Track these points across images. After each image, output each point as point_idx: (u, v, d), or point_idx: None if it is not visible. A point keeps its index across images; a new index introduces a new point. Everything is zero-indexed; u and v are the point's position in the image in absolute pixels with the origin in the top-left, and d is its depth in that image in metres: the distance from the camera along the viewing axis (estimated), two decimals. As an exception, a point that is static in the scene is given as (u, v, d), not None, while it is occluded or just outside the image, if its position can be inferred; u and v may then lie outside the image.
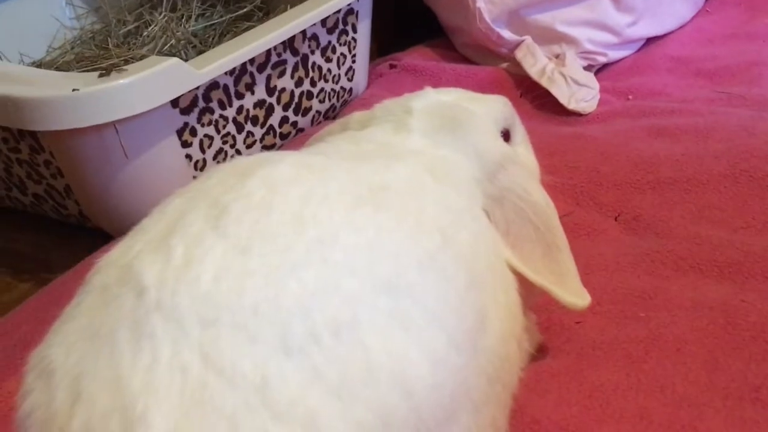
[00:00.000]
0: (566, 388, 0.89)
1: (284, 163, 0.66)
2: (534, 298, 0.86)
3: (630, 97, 1.53)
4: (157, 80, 1.11)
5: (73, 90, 1.06)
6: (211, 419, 0.51)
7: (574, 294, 0.80)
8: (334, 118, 1.55)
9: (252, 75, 1.34)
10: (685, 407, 0.83)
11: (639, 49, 1.68)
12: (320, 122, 1.55)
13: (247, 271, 0.56)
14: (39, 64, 1.70)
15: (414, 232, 0.65)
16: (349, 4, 1.49)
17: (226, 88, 1.29)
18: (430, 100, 0.86)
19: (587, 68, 1.60)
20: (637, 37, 1.67)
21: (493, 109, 0.88)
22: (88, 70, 1.41)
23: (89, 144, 1.14)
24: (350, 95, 1.62)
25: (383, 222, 0.64)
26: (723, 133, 1.31)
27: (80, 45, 1.83)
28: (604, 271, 1.06)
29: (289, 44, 1.40)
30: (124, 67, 1.11)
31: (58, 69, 1.61)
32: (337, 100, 1.58)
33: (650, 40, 1.70)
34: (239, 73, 1.31)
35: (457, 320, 0.63)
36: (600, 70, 1.63)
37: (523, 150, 0.92)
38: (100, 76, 1.09)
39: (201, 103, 1.25)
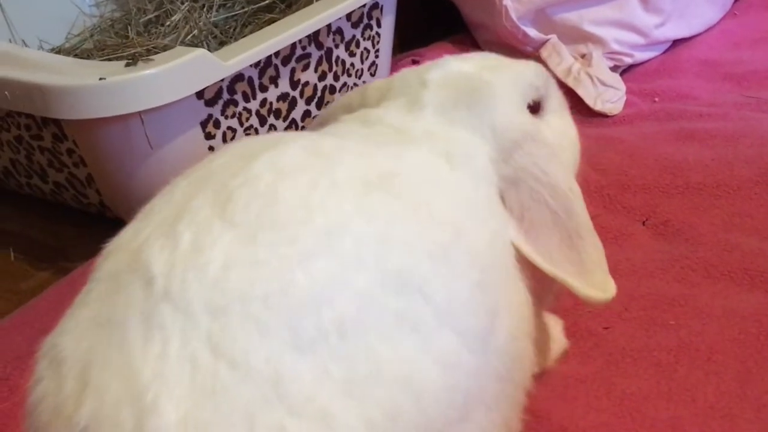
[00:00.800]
0: (595, 395, 0.87)
1: (292, 147, 0.64)
2: (553, 295, 0.82)
3: (656, 99, 1.51)
4: (183, 71, 1.10)
5: (100, 79, 1.05)
6: (224, 410, 0.51)
7: (595, 286, 0.72)
8: (356, 113, 1.54)
9: (276, 68, 1.33)
10: (717, 418, 0.82)
11: (665, 51, 1.66)
12: (342, 117, 1.53)
13: (256, 261, 0.55)
14: (58, 51, 1.69)
15: (427, 223, 0.63)
16: (374, -1, 1.47)
17: (250, 80, 1.28)
18: (449, 69, 0.80)
19: (613, 69, 1.58)
20: (665, 38, 1.65)
21: (519, 77, 0.80)
22: (111, 59, 1.40)
23: (114, 133, 1.13)
24: (372, 90, 1.60)
25: (395, 210, 0.62)
26: (753, 139, 1.29)
27: (100, 33, 1.82)
28: (632, 276, 1.04)
29: (314, 38, 1.38)
30: (151, 57, 1.09)
31: (78, 56, 1.60)
32: (360, 94, 1.57)
33: (677, 42, 1.68)
34: (264, 65, 1.29)
35: (467, 320, 0.62)
36: (626, 71, 1.61)
37: (557, 122, 0.84)
38: (127, 65, 1.08)
39: (225, 95, 1.24)
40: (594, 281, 0.73)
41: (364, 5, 1.46)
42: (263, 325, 0.53)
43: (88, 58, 1.58)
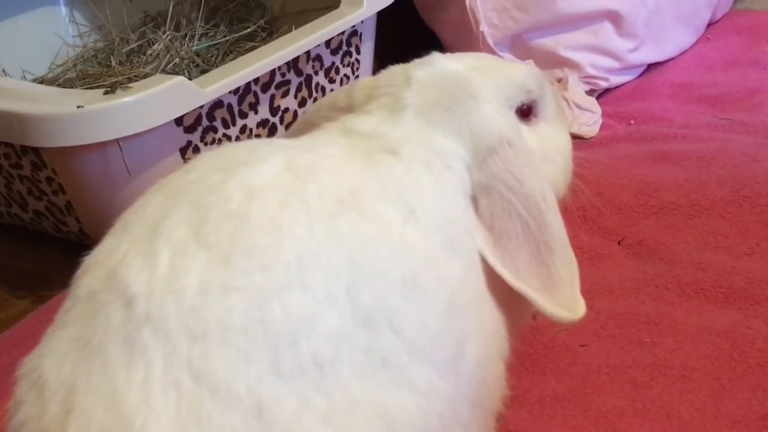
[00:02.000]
0: (571, 414, 0.88)
1: (266, 164, 0.63)
2: (529, 311, 0.78)
3: (632, 121, 1.53)
4: (162, 98, 1.11)
5: (78, 107, 1.06)
6: None
7: (561, 304, 0.69)
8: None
9: (256, 94, 1.34)
10: (692, 435, 0.82)
11: (640, 75, 1.69)
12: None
13: (231, 287, 0.55)
14: (41, 81, 1.70)
15: (399, 246, 0.62)
16: (353, 26, 1.49)
17: (230, 107, 1.29)
18: (435, 68, 0.77)
19: (589, 93, 1.60)
20: (639, 62, 1.68)
21: (509, 80, 0.78)
22: (92, 88, 1.41)
23: (92, 161, 1.14)
24: (353, 116, 1.62)
25: (366, 232, 0.61)
26: (726, 160, 1.31)
27: (83, 62, 1.83)
28: (608, 295, 1.05)
29: (293, 64, 1.40)
30: (129, 85, 1.11)
31: (60, 86, 1.61)
32: (340, 120, 1.58)
33: (651, 66, 1.71)
34: (243, 92, 1.31)
35: (437, 349, 0.62)
36: (601, 95, 1.64)
37: (549, 130, 0.81)
38: (105, 93, 1.09)
39: (205, 122, 1.25)
40: (562, 299, 0.69)
41: (343, 33, 1.48)
42: (243, 354, 0.54)
43: (70, 87, 1.59)
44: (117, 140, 1.11)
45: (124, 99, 1.08)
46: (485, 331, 0.68)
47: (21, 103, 1.09)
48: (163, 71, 1.54)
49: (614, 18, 1.59)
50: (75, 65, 1.82)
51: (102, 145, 1.11)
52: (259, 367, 0.53)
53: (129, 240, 0.60)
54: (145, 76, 1.47)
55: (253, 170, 0.63)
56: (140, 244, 0.58)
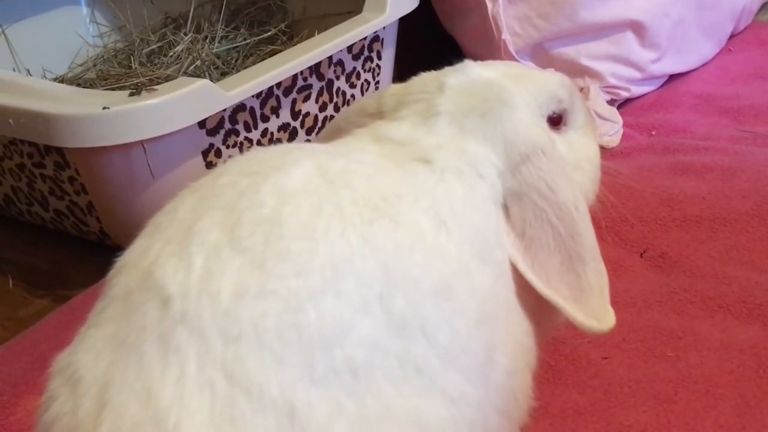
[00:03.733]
0: (594, 428, 0.87)
1: (299, 168, 0.63)
2: (553, 322, 0.77)
3: (653, 132, 1.53)
4: (186, 101, 1.11)
5: (104, 108, 1.06)
6: None
7: (591, 314, 0.69)
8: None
9: (278, 98, 1.34)
10: (717, 451, 0.82)
11: (662, 86, 1.68)
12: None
13: (266, 291, 0.55)
14: (61, 80, 1.71)
15: (432, 254, 0.62)
16: (375, 32, 1.49)
17: (252, 110, 1.29)
18: (469, 75, 0.77)
19: (610, 103, 1.60)
20: (661, 73, 1.67)
21: (541, 89, 0.78)
22: (113, 89, 1.41)
23: (116, 162, 1.14)
24: (372, 121, 1.62)
25: (400, 240, 0.61)
26: (749, 173, 1.30)
27: (103, 62, 1.84)
28: (631, 307, 1.05)
29: (315, 69, 1.40)
30: (155, 87, 1.11)
31: (80, 86, 1.62)
32: (359, 126, 1.58)
33: (673, 77, 1.70)
34: (266, 96, 1.31)
35: (467, 357, 0.61)
36: (622, 105, 1.63)
37: (579, 139, 0.81)
38: (131, 95, 1.09)
39: (227, 125, 1.25)
40: (591, 309, 0.69)
41: (365, 38, 1.49)
42: (277, 357, 0.54)
43: (91, 87, 1.60)
44: (141, 142, 1.11)
45: (149, 101, 1.08)
46: (514, 341, 0.68)
47: (47, 103, 1.09)
48: (185, 73, 1.55)
49: (637, 28, 1.59)
50: (95, 65, 1.83)
51: (126, 147, 1.11)
52: (292, 371, 0.53)
53: (162, 241, 0.60)
54: (167, 78, 1.48)
55: (286, 175, 0.62)
56: (174, 245, 0.59)
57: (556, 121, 0.79)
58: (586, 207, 0.73)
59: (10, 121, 1.12)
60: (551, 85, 0.79)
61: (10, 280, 1.33)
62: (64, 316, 1.10)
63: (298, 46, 1.35)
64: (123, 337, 0.56)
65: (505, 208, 0.71)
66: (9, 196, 1.37)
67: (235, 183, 0.63)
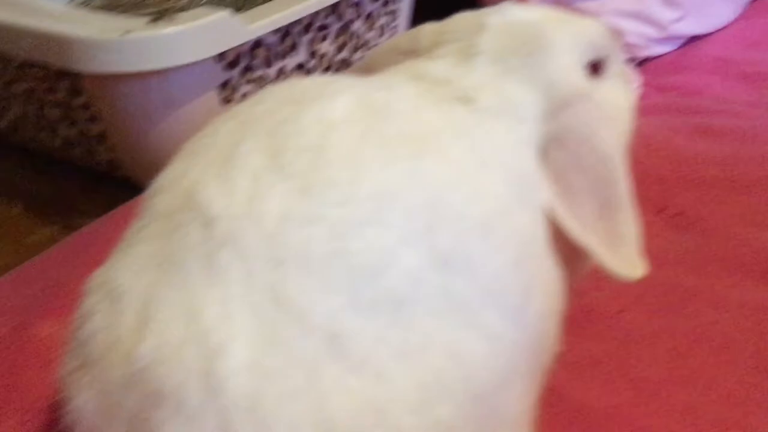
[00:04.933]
0: (610, 377, 0.87)
1: (341, 98, 0.62)
2: (582, 271, 0.77)
3: (671, 93, 1.51)
4: (208, 31, 1.09)
5: (124, 33, 1.03)
6: (288, 361, 0.51)
7: (624, 262, 0.69)
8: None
9: (296, 36, 1.31)
10: (734, 405, 0.82)
11: (680, 47, 1.66)
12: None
13: (312, 217, 0.55)
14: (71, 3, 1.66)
15: (476, 191, 0.61)
16: (396, -27, 1.46)
17: (269, 47, 1.27)
18: (511, 16, 0.75)
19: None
20: (680, 34, 1.65)
21: (582, 34, 0.76)
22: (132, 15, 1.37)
23: (132, 90, 1.11)
24: (386, 67, 1.59)
25: (445, 174, 0.60)
26: (766, 138, 1.29)
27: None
28: (647, 264, 1.04)
29: (334, 8, 1.37)
30: (176, 15, 1.08)
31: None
32: (374, 70, 1.56)
33: (691, 39, 1.68)
34: (285, 33, 1.28)
35: (506, 296, 0.61)
36: (640, 64, 1.61)
37: (613, 86, 0.80)
38: (151, 21, 1.06)
39: (245, 60, 1.22)
40: (624, 256, 0.69)
41: (385, -21, 1.45)
42: (323, 283, 0.53)
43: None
44: (159, 71, 1.09)
45: (171, 29, 1.05)
46: (547, 285, 0.68)
47: (65, 25, 1.06)
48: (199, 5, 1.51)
49: (661, -14, 1.57)
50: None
51: (143, 75, 1.08)
52: (338, 298, 0.53)
53: (203, 164, 0.58)
54: (181, 9, 1.44)
55: (328, 104, 0.61)
56: (215, 168, 0.57)
57: (594, 68, 0.78)
58: (622, 155, 0.73)
59: (24, 42, 1.09)
60: (592, 31, 0.78)
61: (15, 208, 1.31)
62: (76, 243, 1.08)
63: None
64: (165, 256, 0.55)
65: (543, 152, 0.70)
66: (16, 123, 1.34)
67: (276, 110, 0.61)
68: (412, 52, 0.77)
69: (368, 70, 0.80)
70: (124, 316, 0.53)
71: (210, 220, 0.54)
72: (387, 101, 0.64)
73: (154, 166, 1.15)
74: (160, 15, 1.08)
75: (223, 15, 1.10)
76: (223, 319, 0.51)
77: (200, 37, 1.08)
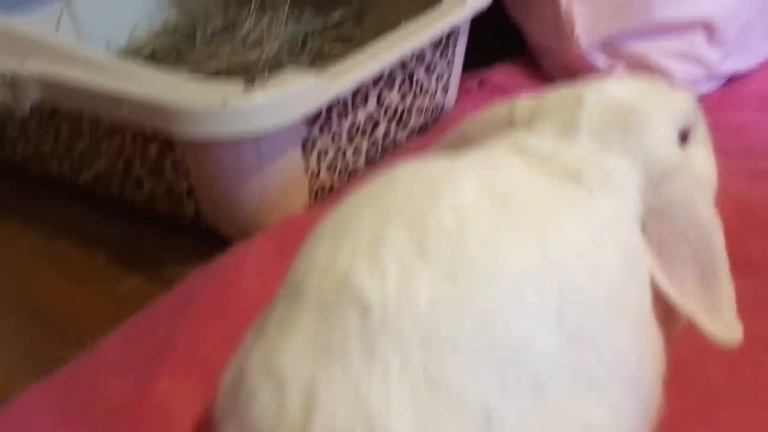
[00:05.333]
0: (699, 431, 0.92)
1: (468, 183, 0.67)
2: (674, 334, 0.81)
3: (719, 133, 1.55)
4: (298, 95, 1.14)
5: (223, 102, 1.08)
6: None
7: (725, 326, 0.74)
8: (426, 133, 1.58)
9: (367, 89, 1.36)
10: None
11: (724, 84, 1.71)
12: (414, 137, 1.56)
13: (460, 303, 0.59)
14: (124, 52, 1.72)
15: (597, 268, 0.66)
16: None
17: (344, 101, 1.32)
18: (607, 93, 0.79)
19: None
20: (725, 71, 1.70)
21: (674, 106, 0.81)
22: (201, 70, 1.43)
23: (224, 152, 1.17)
24: (442, 111, 1.64)
25: (569, 253, 0.65)
26: (824, 179, 1.34)
27: (161, 37, 1.84)
28: (722, 314, 1.09)
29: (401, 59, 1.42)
30: (268, 82, 1.13)
31: (145, 59, 1.63)
32: (431, 115, 1.61)
33: (733, 77, 1.73)
34: (358, 87, 1.33)
35: (625, 369, 0.66)
36: (687, 103, 1.66)
37: (699, 153, 0.85)
38: (246, 89, 1.11)
39: (324, 116, 1.28)
40: (723, 321, 0.74)
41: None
42: (474, 366, 0.58)
43: (155, 61, 1.62)
44: (251, 133, 1.14)
45: (266, 96, 1.10)
46: (653, 353, 0.74)
47: (163, 92, 1.11)
48: (266, 57, 1.56)
49: (708, 27, 1.61)
50: (157, 37, 1.84)
51: (236, 139, 1.14)
52: (487, 380, 0.58)
53: (350, 248, 0.63)
54: (255, 62, 1.50)
55: (458, 190, 0.66)
56: (364, 253, 0.62)
57: (683, 137, 0.83)
58: (717, 220, 0.77)
59: (122, 107, 1.14)
60: (682, 101, 0.83)
61: (98, 258, 1.35)
62: (177, 300, 1.13)
63: (390, 37, 1.36)
64: (324, 342, 0.60)
65: (643, 223, 0.75)
66: (101, 176, 1.39)
67: (409, 197, 0.66)
68: (509, 125, 0.82)
69: (463, 141, 0.85)
70: (290, 398, 0.58)
71: (366, 306, 0.59)
72: (507, 184, 0.69)
73: (241, 220, 1.21)
74: (253, 80, 1.13)
75: (311, 80, 1.15)
76: (387, 402, 0.56)
77: (293, 100, 1.13)
